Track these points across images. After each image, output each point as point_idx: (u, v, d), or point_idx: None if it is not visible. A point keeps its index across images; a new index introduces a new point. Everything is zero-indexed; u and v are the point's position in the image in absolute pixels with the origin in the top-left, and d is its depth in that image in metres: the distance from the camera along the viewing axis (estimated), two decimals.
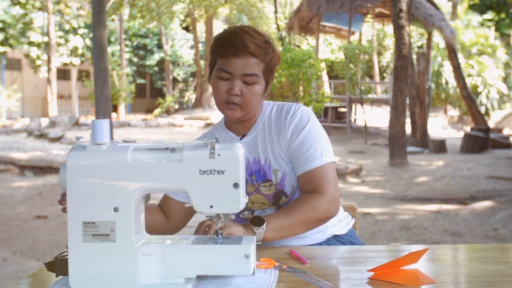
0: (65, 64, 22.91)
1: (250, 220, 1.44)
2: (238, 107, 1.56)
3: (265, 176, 1.62)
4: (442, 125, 18.87)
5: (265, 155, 1.63)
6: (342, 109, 15.94)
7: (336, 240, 1.68)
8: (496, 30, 21.83)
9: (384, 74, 23.80)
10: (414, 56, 13.15)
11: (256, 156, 1.63)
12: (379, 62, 23.44)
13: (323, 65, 10.80)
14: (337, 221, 1.69)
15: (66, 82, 24.76)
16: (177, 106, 24.51)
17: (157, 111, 23.07)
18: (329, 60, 11.86)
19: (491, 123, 16.64)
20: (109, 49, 21.76)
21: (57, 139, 13.37)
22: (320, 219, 1.54)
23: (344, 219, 1.73)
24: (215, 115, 19.09)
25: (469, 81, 17.80)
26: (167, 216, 1.69)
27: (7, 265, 4.28)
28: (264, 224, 1.43)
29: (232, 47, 1.52)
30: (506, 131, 15.80)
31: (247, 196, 1.21)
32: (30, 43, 21.03)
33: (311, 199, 1.52)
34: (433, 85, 18.55)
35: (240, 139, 1.66)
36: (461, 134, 14.45)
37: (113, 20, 20.80)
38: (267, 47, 1.55)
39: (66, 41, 22.52)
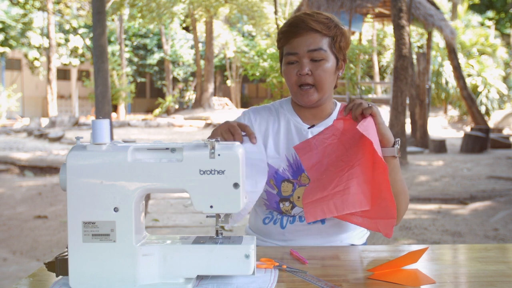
0: (65, 64, 22.91)
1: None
2: (312, 88, 1.53)
3: None
4: (442, 125, 18.86)
5: None
6: None
7: None
8: (496, 29, 21.80)
9: (384, 74, 23.78)
10: (414, 56, 13.13)
11: None
12: (379, 62, 23.43)
13: None
14: (357, 231, 1.69)
15: (66, 82, 24.77)
16: (177, 106, 24.52)
17: (157, 111, 23.07)
18: None
19: (491, 123, 16.64)
20: (109, 49, 21.74)
21: (57, 139, 13.37)
22: (403, 206, 1.52)
23: (362, 230, 1.73)
24: (215, 115, 19.07)
25: (469, 81, 17.79)
26: None
27: (7, 265, 4.28)
28: (396, 146, 1.45)
29: (293, 28, 1.52)
30: (506, 131, 15.79)
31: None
32: (29, 45, 21.01)
33: None
34: (433, 85, 18.54)
35: (308, 128, 1.61)
36: (461, 134, 14.44)
37: (113, 20, 20.79)
38: (328, 22, 1.52)
39: (66, 41, 22.52)
